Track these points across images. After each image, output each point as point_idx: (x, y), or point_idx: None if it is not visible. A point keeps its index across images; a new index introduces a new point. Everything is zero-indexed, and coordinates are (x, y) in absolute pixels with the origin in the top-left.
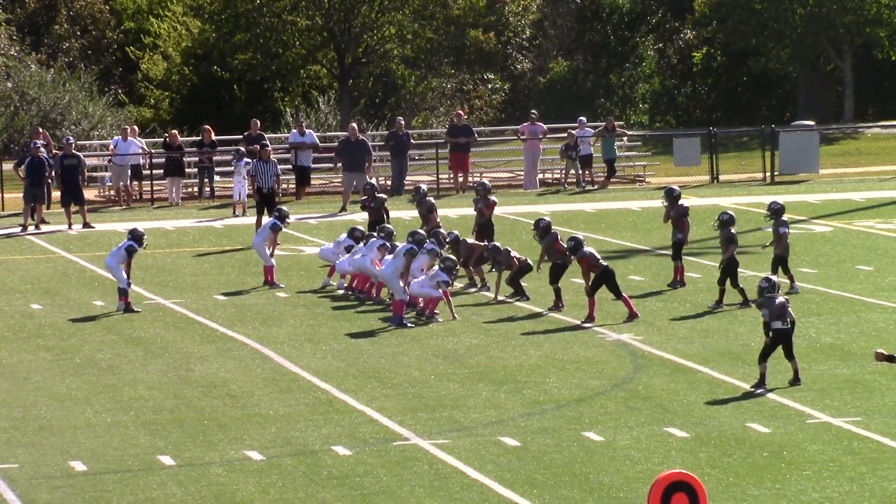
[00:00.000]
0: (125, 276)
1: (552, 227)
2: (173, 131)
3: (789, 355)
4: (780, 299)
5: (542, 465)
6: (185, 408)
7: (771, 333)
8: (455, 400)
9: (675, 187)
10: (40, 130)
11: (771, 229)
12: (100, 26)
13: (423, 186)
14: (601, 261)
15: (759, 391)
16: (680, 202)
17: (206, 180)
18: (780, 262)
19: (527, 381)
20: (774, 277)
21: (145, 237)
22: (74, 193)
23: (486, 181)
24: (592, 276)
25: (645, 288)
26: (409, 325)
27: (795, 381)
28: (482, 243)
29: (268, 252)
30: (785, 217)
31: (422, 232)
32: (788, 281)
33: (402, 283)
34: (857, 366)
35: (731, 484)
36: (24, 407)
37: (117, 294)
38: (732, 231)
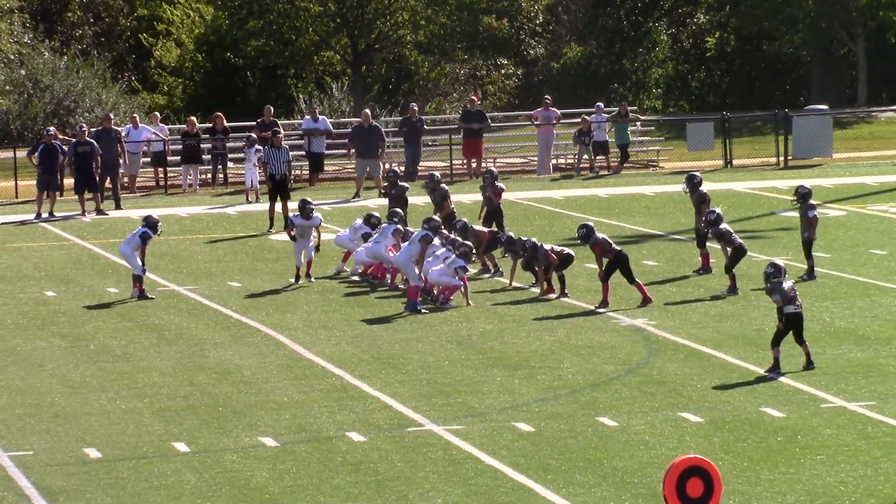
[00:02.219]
0: (140, 263)
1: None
2: (191, 118)
3: (800, 339)
4: (788, 283)
5: (557, 451)
6: (200, 394)
7: (784, 318)
8: (469, 386)
9: (697, 174)
10: (52, 130)
11: (798, 213)
12: (113, 13)
13: (437, 174)
14: (614, 246)
15: (772, 376)
16: (701, 188)
17: (220, 167)
18: (807, 246)
19: (541, 367)
20: (780, 262)
21: (160, 224)
22: (88, 181)
23: (493, 168)
24: (606, 261)
25: (658, 273)
26: (424, 311)
27: (809, 365)
28: (489, 229)
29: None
30: (812, 201)
31: (436, 218)
32: (808, 266)
33: (417, 270)
34: (872, 350)
35: (746, 468)
36: (38, 394)
37: (132, 281)
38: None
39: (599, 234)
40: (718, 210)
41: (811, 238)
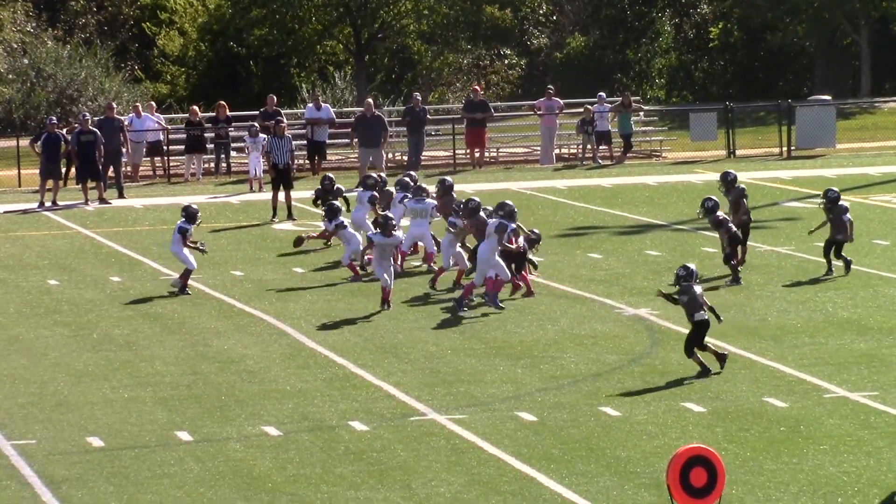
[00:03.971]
0: (190, 259)
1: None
2: (194, 107)
3: (701, 345)
4: (698, 289)
5: (559, 440)
6: (203, 383)
7: (693, 324)
8: (472, 375)
9: (731, 171)
10: (54, 119)
11: (826, 214)
12: (116, 2)
13: (449, 179)
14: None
15: (703, 379)
16: (737, 185)
17: (223, 156)
18: (838, 246)
19: (543, 356)
20: (692, 265)
21: (198, 213)
22: (91, 169)
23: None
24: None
25: (661, 263)
26: (502, 306)
27: (703, 373)
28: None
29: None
30: (843, 203)
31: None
32: (843, 264)
33: (499, 261)
34: (875, 340)
35: (748, 458)
36: (41, 383)
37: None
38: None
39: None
40: (715, 198)
41: (845, 240)
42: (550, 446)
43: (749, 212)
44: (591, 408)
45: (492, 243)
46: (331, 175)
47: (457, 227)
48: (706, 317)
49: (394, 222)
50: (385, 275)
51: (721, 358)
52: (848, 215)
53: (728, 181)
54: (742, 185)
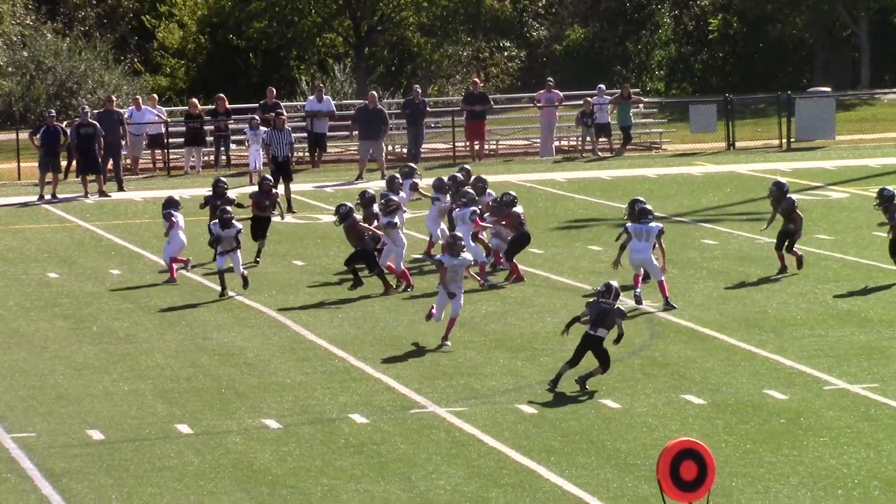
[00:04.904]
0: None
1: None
2: (193, 100)
3: (604, 366)
4: (606, 307)
5: (559, 433)
6: (202, 376)
7: (583, 336)
8: (472, 368)
9: (783, 181)
10: (53, 112)
11: (885, 215)
12: None
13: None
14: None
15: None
16: (788, 196)
17: (223, 149)
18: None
19: (544, 349)
20: (615, 284)
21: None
22: (91, 163)
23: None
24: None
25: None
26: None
27: (584, 383)
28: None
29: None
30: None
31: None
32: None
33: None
34: (874, 332)
35: (748, 451)
36: (41, 376)
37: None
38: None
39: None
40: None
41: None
42: (550, 438)
43: (796, 223)
44: (591, 400)
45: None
46: (223, 179)
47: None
48: (594, 334)
49: (462, 242)
50: (455, 301)
51: (584, 381)
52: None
53: (783, 191)
54: (792, 198)
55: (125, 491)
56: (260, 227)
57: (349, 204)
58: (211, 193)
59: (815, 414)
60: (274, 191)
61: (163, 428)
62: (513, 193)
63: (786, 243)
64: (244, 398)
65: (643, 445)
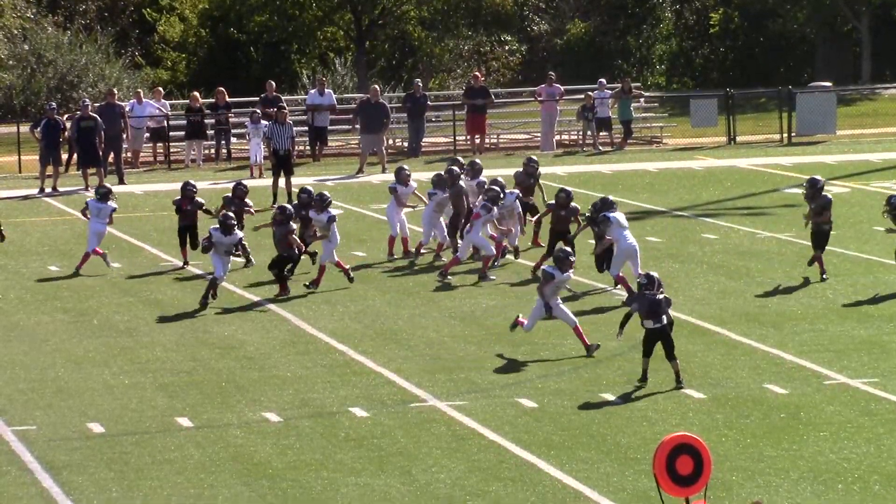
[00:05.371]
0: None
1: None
2: (195, 93)
3: (669, 356)
4: (658, 297)
5: (560, 427)
6: (203, 370)
7: (645, 333)
8: (472, 361)
9: (820, 178)
10: (54, 105)
11: (893, 222)
12: None
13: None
14: None
15: (641, 385)
16: (823, 193)
17: (223, 142)
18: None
19: (544, 343)
20: (655, 274)
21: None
22: (91, 156)
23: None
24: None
25: (662, 249)
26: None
27: (678, 383)
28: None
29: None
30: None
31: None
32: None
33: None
34: (875, 327)
35: (748, 445)
36: (41, 369)
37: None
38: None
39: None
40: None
41: None
42: (551, 433)
43: (831, 222)
44: (592, 394)
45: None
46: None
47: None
48: (653, 326)
49: (573, 258)
50: (561, 313)
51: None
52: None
53: (817, 188)
54: (829, 196)
55: (125, 484)
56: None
57: (291, 210)
58: (231, 195)
59: (816, 408)
60: (247, 199)
61: (163, 421)
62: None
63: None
64: (244, 391)
65: (643, 439)
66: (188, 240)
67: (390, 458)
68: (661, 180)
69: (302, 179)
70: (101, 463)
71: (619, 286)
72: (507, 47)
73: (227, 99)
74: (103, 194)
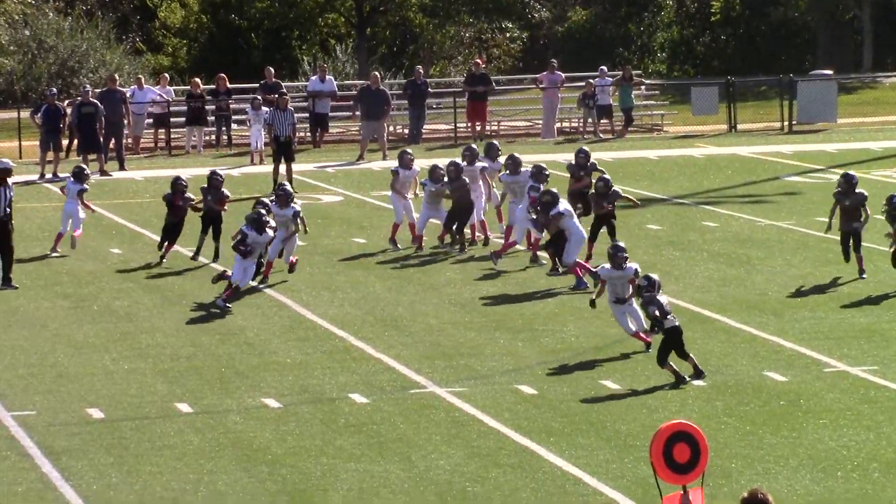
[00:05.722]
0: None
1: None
2: (195, 79)
3: (683, 353)
4: (663, 298)
5: (560, 414)
6: (203, 355)
7: (664, 332)
8: (472, 348)
9: (852, 173)
10: (55, 91)
11: (892, 224)
12: None
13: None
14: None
15: (681, 385)
16: (858, 190)
17: (224, 128)
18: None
19: (544, 330)
20: (655, 276)
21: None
22: (92, 142)
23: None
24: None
25: (662, 237)
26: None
27: (697, 374)
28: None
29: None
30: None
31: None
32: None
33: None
34: (874, 315)
35: (748, 432)
36: (41, 354)
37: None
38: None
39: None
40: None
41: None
42: (550, 419)
43: (867, 220)
44: (592, 381)
45: (525, 203)
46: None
47: (435, 189)
48: (676, 322)
49: (625, 254)
50: (628, 320)
51: (697, 372)
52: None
53: (852, 184)
54: (864, 192)
55: (125, 469)
56: (212, 225)
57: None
58: (207, 185)
59: (815, 396)
60: (223, 189)
61: (163, 407)
62: (554, 191)
63: (850, 242)
64: (244, 377)
65: (643, 427)
66: (171, 237)
67: (390, 445)
68: (661, 168)
69: (303, 166)
70: (101, 448)
71: (577, 272)
72: (508, 34)
73: (228, 85)
74: (75, 174)
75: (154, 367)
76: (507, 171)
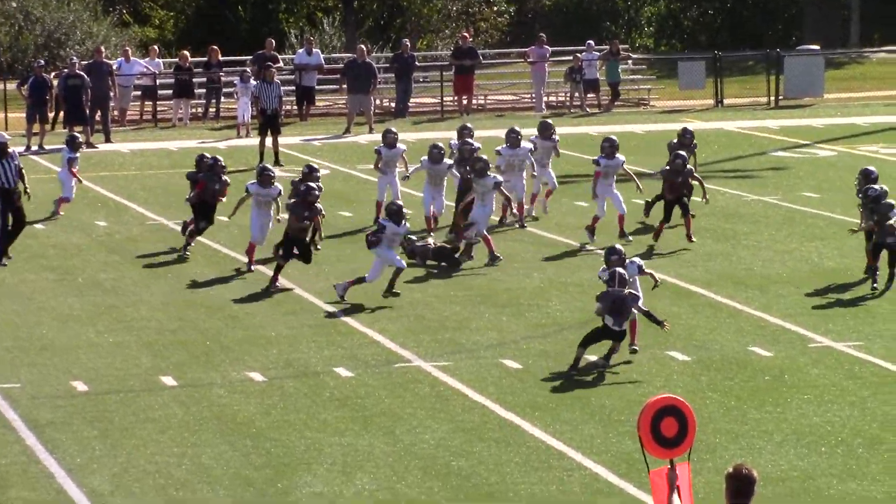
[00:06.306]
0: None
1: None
2: (184, 52)
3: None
4: (622, 294)
5: (544, 388)
6: (188, 329)
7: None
8: (457, 322)
9: (873, 169)
10: (42, 62)
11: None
12: None
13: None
14: None
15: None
16: (884, 200)
17: (213, 100)
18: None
19: (529, 304)
20: (620, 270)
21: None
22: (78, 114)
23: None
24: None
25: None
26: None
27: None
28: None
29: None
30: (890, 200)
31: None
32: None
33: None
34: (860, 290)
35: (733, 407)
36: (27, 327)
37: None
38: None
39: None
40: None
41: (883, 242)
42: (535, 394)
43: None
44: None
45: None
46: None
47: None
48: (612, 327)
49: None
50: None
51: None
52: (894, 213)
53: (871, 179)
54: (884, 187)
55: (109, 442)
56: (205, 214)
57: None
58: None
59: (800, 371)
60: (225, 177)
61: (147, 380)
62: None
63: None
64: (229, 351)
65: (628, 402)
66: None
67: (374, 418)
68: (647, 142)
69: (289, 139)
70: (85, 421)
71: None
72: (495, 8)
73: (220, 57)
74: (68, 142)
75: (139, 341)
76: (508, 145)
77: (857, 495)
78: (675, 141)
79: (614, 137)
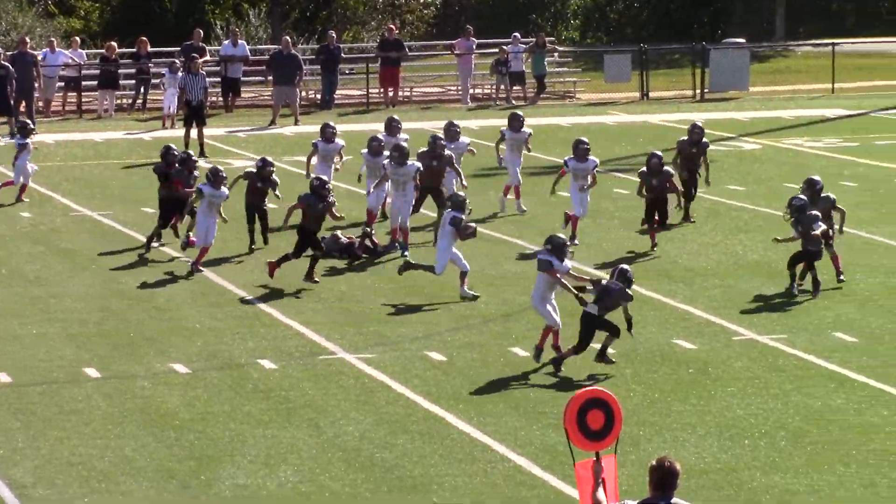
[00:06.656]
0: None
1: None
2: (111, 43)
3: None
4: (612, 285)
5: (468, 380)
6: (112, 320)
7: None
8: (382, 315)
9: (818, 179)
10: None
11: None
12: None
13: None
14: None
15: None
16: (824, 194)
17: (143, 91)
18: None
19: (454, 297)
20: (624, 266)
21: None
22: (2, 104)
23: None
24: None
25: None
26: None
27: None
28: None
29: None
30: (814, 212)
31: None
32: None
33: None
34: (784, 283)
35: (656, 400)
36: None
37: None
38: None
39: None
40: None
41: (812, 250)
42: (459, 386)
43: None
44: (501, 348)
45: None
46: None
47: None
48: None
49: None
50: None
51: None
52: (819, 225)
53: (815, 189)
54: (831, 195)
55: (31, 434)
56: (176, 209)
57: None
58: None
59: (724, 364)
60: (196, 172)
61: (71, 371)
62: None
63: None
64: (153, 343)
65: (552, 395)
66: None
67: (298, 410)
68: (573, 135)
69: (214, 130)
70: (8, 413)
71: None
72: (421, 0)
73: (149, 49)
74: (19, 129)
75: (63, 332)
76: (508, 128)
77: (781, 488)
78: (685, 138)
79: (585, 139)
